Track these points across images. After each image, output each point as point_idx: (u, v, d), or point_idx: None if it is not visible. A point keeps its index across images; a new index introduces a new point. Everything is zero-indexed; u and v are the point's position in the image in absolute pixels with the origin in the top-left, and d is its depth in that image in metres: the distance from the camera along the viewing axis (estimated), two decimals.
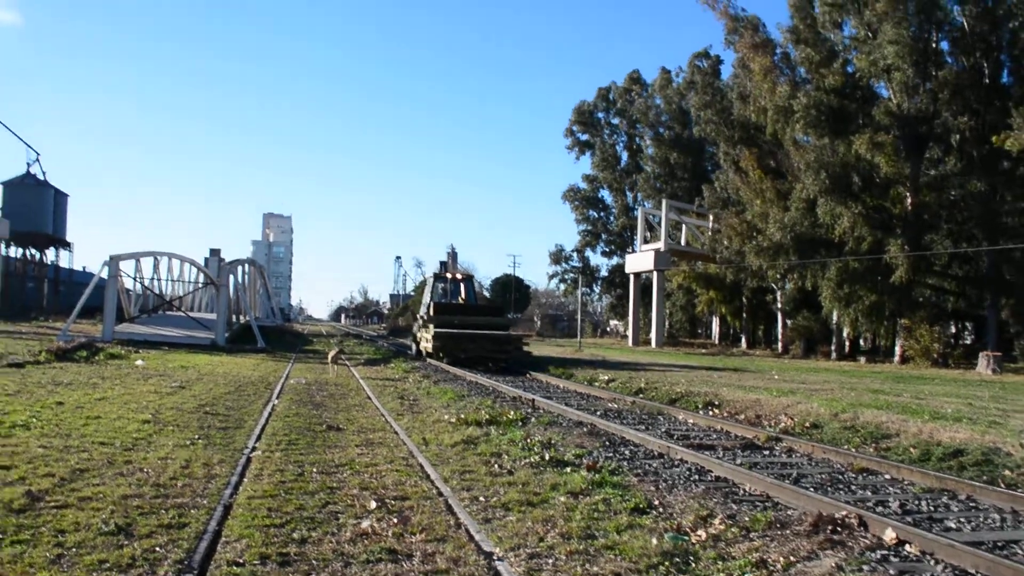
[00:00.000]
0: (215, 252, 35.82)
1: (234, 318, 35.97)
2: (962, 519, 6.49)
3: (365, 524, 5.44)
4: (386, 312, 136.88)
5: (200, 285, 40.62)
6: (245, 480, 6.75)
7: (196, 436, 8.82)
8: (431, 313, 27.32)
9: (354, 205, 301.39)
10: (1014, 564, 4.87)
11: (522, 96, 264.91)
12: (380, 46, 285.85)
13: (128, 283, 33.01)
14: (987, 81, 34.64)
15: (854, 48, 37.41)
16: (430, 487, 6.74)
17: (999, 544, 5.68)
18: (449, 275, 32.37)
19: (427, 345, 25.46)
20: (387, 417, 11.38)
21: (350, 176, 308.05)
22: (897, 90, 35.50)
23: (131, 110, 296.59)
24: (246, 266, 42.66)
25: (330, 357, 21.91)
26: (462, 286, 32.15)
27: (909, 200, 35.18)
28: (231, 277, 34.65)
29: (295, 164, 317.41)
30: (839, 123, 36.34)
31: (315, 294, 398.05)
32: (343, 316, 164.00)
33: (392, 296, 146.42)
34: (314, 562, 4.65)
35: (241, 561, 4.58)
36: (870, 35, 35.49)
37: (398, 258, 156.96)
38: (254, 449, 8.23)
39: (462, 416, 11.07)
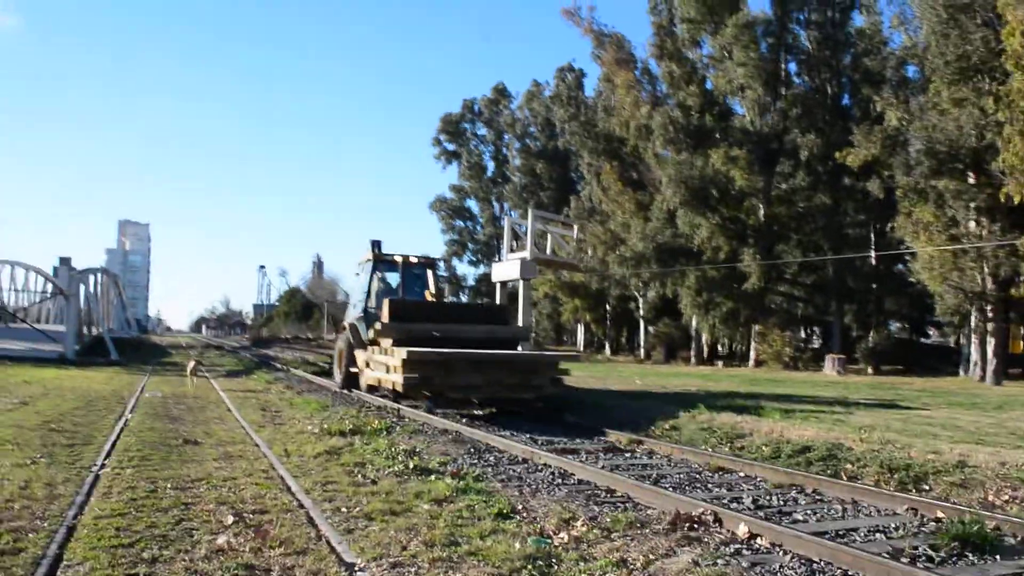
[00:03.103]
0: (65, 261, 33.87)
1: (85, 330, 34.07)
2: (808, 511, 6.84)
3: (221, 540, 5.23)
4: (249, 323, 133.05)
5: (47, 295, 38.31)
6: (92, 499, 6.37)
7: (38, 454, 8.28)
8: (386, 318, 15.06)
9: (216, 214, 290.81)
10: (852, 550, 5.18)
11: (389, 106, 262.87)
12: (240, 52, 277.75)
13: None
14: (831, 102, 36.84)
15: (711, 67, 39.05)
16: (291, 499, 6.56)
17: (840, 532, 6.02)
18: (399, 258, 18.91)
19: (390, 378, 13.90)
20: (248, 429, 11.02)
21: (211, 184, 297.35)
22: (750, 108, 37.25)
23: None
24: (99, 275, 40.53)
25: (188, 369, 21.08)
26: (428, 275, 19.54)
27: (762, 212, 36.94)
28: (82, 287, 32.78)
29: (153, 171, 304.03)
30: (698, 138, 37.85)
31: (175, 305, 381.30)
32: (204, 327, 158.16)
33: (256, 306, 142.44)
34: None
35: None
36: (726, 54, 37.11)
37: (262, 267, 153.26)
38: (103, 466, 7.80)
39: (326, 427, 10.84)
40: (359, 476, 7.61)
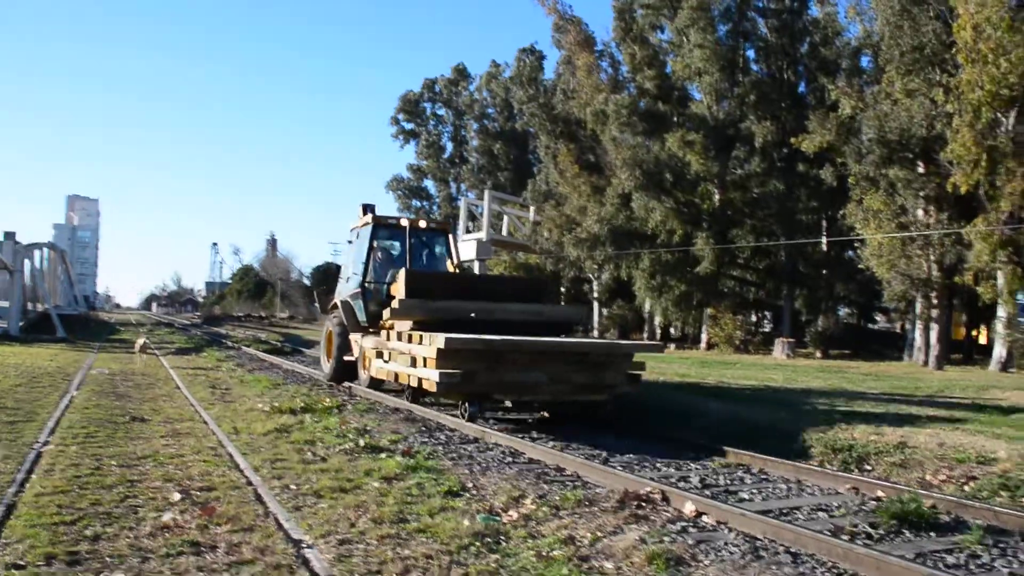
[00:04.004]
0: (9, 235, 32.92)
1: (31, 306, 33.33)
2: (754, 490, 6.98)
3: (167, 517, 5.19)
4: (201, 300, 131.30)
5: None
6: (33, 476, 6.26)
7: None
8: (402, 293, 11.92)
9: (167, 190, 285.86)
10: (794, 528, 5.32)
11: (346, 85, 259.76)
12: (198, 25, 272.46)
13: None
14: (787, 89, 37.20)
15: (671, 52, 39.19)
16: (239, 476, 6.52)
17: (784, 511, 6.16)
18: (406, 222, 15.54)
19: (418, 373, 10.39)
20: (197, 407, 10.91)
21: (163, 160, 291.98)
22: (708, 93, 37.48)
23: None
24: (45, 250, 39.55)
25: (137, 346, 20.76)
26: (442, 243, 15.95)
27: (717, 196, 37.25)
28: (27, 262, 32.00)
29: (103, 146, 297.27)
30: (655, 122, 38.01)
31: (125, 282, 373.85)
32: (155, 305, 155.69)
33: (208, 284, 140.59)
34: (108, 559, 4.38)
35: (23, 563, 4.25)
36: (685, 39, 37.28)
37: (215, 244, 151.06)
38: (46, 443, 7.67)
39: (276, 404, 10.78)
40: (309, 454, 7.58)
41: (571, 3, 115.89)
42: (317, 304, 19.02)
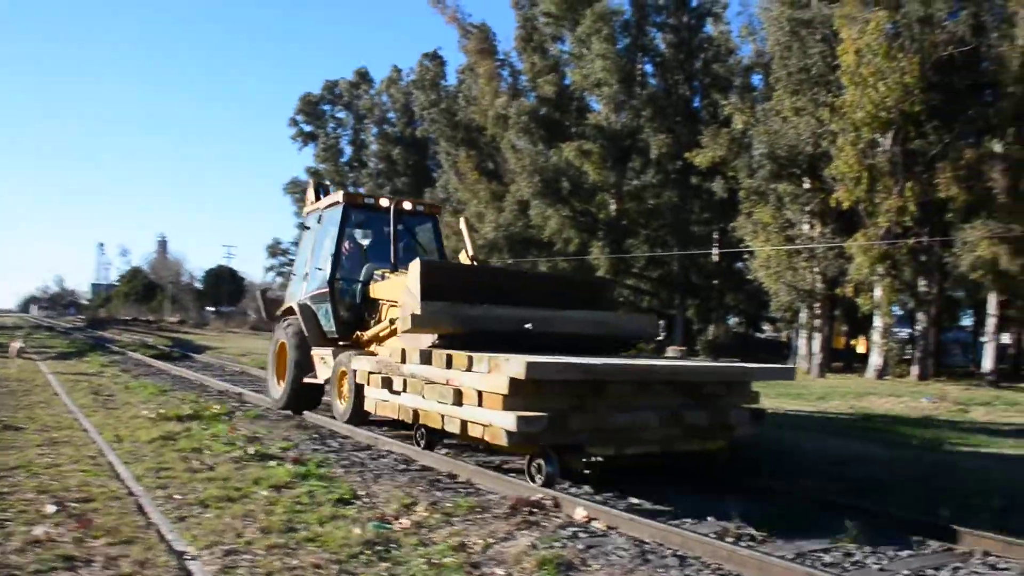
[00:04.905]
0: None
1: None
2: (644, 496, 7.09)
3: (39, 531, 4.94)
4: (86, 303, 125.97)
5: None
6: None
7: None
8: (416, 293, 8.05)
9: (49, 189, 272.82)
10: (681, 531, 5.45)
11: (243, 85, 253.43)
12: (88, 18, 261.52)
13: None
14: (682, 104, 38.29)
15: (571, 63, 39.82)
16: (119, 487, 6.27)
17: (673, 515, 6.29)
18: (386, 202, 11.79)
19: (461, 415, 6.95)
20: (77, 414, 10.43)
21: (44, 158, 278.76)
22: (606, 104, 38.21)
23: None
24: None
25: (12, 350, 19.75)
26: (423, 231, 12.77)
27: (613, 206, 37.98)
28: None
29: None
30: (553, 130, 38.54)
31: (1, 283, 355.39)
32: (34, 307, 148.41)
33: (94, 286, 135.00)
34: None
35: None
36: (585, 50, 37.93)
37: (101, 245, 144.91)
38: None
39: (162, 411, 10.40)
40: (195, 462, 7.35)
41: (475, 10, 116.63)
42: (261, 308, 15.36)
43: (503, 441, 6.42)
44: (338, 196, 11.80)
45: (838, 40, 24.46)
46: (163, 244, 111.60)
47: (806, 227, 28.41)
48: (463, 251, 11.75)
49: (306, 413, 10.92)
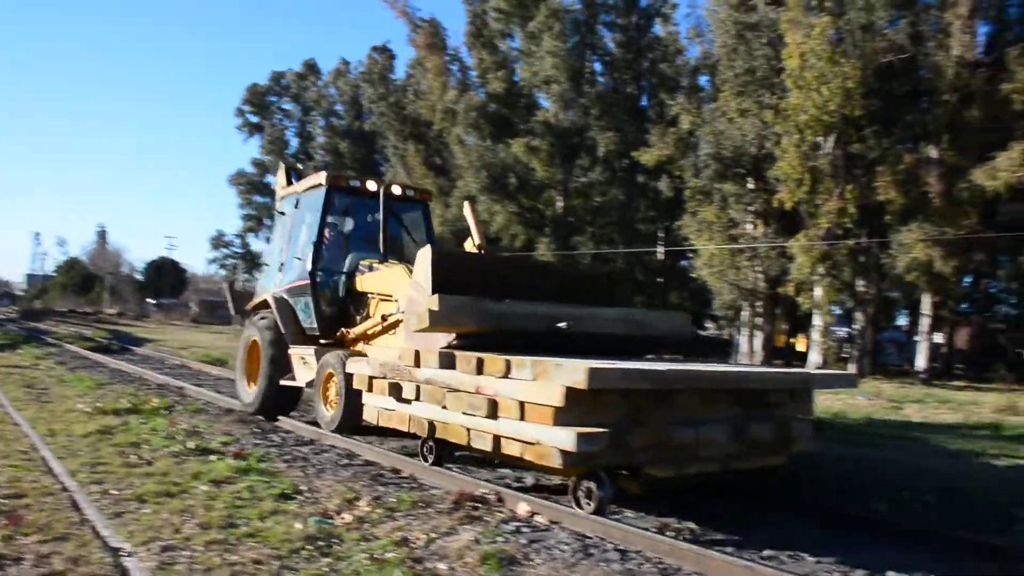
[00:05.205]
0: None
1: None
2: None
3: None
4: (20, 294, 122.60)
5: None
6: None
7: None
8: (428, 286, 7.07)
9: None
10: (622, 526, 5.51)
11: (188, 75, 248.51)
12: (27, 6, 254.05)
13: None
14: (630, 103, 38.62)
15: (520, 59, 39.90)
16: (53, 482, 6.12)
17: (614, 511, 6.34)
18: (373, 186, 10.63)
19: (498, 430, 5.99)
20: (8, 407, 10.15)
21: None
22: (555, 102, 38.36)
23: None
24: None
25: None
26: (412, 220, 11.64)
27: (560, 203, 38.16)
28: None
29: None
30: (501, 126, 38.58)
31: None
32: None
33: (30, 276, 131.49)
34: None
35: None
36: (535, 47, 38.04)
37: (37, 235, 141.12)
38: None
39: (99, 405, 10.17)
40: (133, 457, 7.21)
41: (425, 4, 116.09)
42: (228, 302, 14.18)
43: (554, 462, 5.49)
44: (320, 177, 10.65)
45: (783, 44, 24.87)
46: (102, 234, 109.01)
47: (749, 227, 28.87)
48: (468, 240, 10.43)
49: (281, 419, 10.19)
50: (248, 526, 5.20)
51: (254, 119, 71.64)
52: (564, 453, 5.39)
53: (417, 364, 6.91)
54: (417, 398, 6.95)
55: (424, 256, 7.34)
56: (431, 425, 6.82)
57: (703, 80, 35.81)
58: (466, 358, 6.30)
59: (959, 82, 23.74)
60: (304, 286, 10.24)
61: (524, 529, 5.58)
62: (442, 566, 4.67)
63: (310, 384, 9.63)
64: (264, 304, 11.05)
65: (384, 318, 8.99)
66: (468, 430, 6.33)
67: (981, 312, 39.08)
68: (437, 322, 6.68)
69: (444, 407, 6.52)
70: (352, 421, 8.67)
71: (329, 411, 9.14)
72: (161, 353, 23.36)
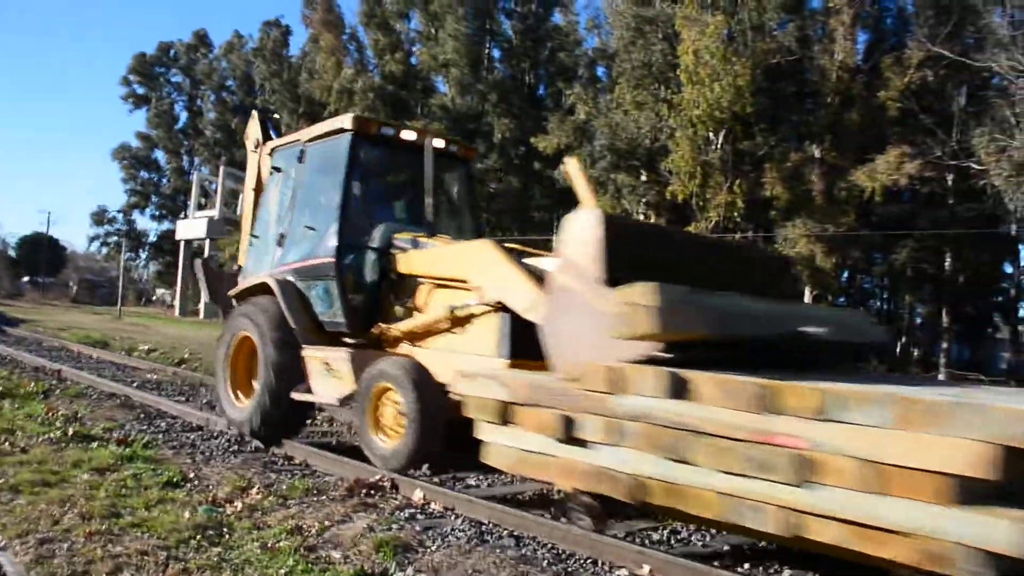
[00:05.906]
0: None
1: None
2: (481, 477, 7.17)
3: None
4: None
5: None
6: None
7: None
8: (592, 269, 4.84)
9: None
10: (517, 512, 5.55)
11: (69, 39, 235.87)
12: None
13: None
14: (528, 91, 38.89)
15: (419, 42, 39.62)
16: None
17: (508, 496, 6.41)
18: (413, 135, 8.12)
19: (811, 502, 3.58)
20: None
21: None
22: (453, 86, 38.27)
23: None
24: None
25: None
26: (452, 180, 9.16)
27: None
28: None
29: None
30: (398, 109, 38.25)
31: None
32: None
33: None
34: None
35: None
36: (433, 31, 37.81)
37: None
38: None
39: None
40: (6, 444, 6.86)
41: None
42: (202, 283, 10.07)
43: (957, 568, 3.23)
44: (342, 121, 8.01)
45: (679, 40, 25.46)
46: None
47: (642, 217, 29.50)
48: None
49: (135, 394, 10.13)
50: (133, 516, 5.02)
51: (140, 90, 68.80)
52: (991, 557, 3.16)
53: (613, 389, 4.56)
54: (608, 442, 4.60)
55: (589, 219, 5.21)
56: (643, 486, 4.45)
57: (600, 71, 36.37)
58: (728, 383, 4.04)
59: (841, 86, 24.90)
60: (323, 265, 7.61)
61: (419, 516, 5.57)
62: (336, 554, 4.62)
63: (345, 400, 7.16)
64: (260, 289, 8.21)
65: (453, 311, 6.75)
66: (734, 498, 4.00)
67: (856, 306, 41.05)
68: (663, 326, 4.32)
69: (676, 459, 4.22)
70: (427, 455, 6.55)
71: (386, 442, 6.77)
72: (37, 334, 22.24)
